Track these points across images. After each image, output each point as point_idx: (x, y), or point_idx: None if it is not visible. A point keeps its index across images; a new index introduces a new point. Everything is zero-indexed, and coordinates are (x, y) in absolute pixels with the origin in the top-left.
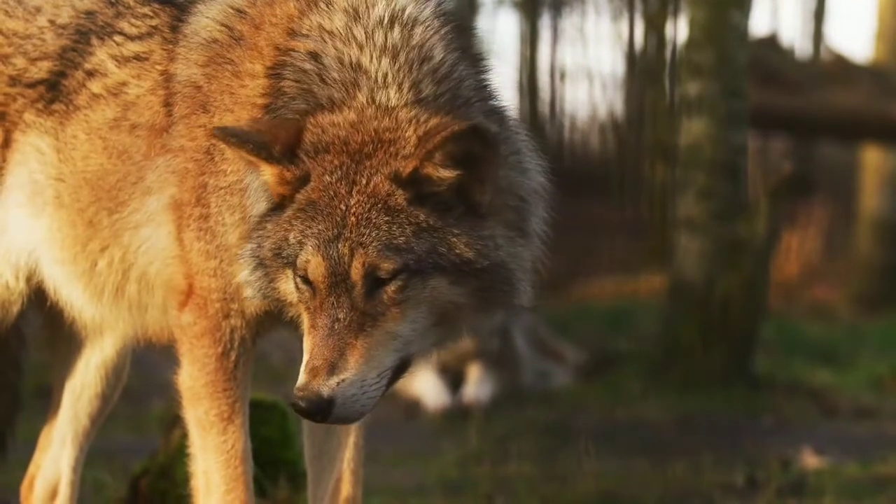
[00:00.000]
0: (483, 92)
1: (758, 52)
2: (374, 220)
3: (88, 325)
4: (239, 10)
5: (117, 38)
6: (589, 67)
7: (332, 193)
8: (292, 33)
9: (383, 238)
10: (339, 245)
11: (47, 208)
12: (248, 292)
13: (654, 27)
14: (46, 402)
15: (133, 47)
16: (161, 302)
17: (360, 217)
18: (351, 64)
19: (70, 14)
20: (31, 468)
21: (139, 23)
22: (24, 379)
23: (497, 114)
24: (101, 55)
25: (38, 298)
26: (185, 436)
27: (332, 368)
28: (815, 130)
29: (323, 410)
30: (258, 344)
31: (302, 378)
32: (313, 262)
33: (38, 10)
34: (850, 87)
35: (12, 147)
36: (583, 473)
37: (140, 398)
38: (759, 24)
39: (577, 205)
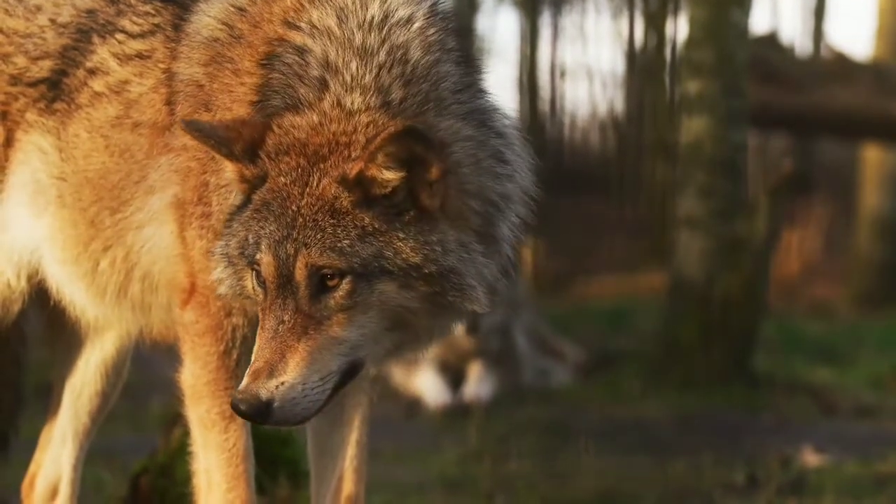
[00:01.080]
0: (466, 93)
1: (758, 51)
2: (319, 223)
3: (92, 324)
4: (240, 9)
5: (119, 37)
6: (589, 66)
7: (284, 195)
8: (288, 24)
9: (327, 240)
10: (287, 245)
11: (49, 207)
12: (221, 289)
13: (655, 25)
14: (47, 400)
15: (135, 45)
16: (165, 301)
17: (307, 219)
18: (327, 63)
19: (71, 13)
20: (32, 467)
21: (141, 21)
22: (25, 376)
23: (480, 115)
24: (103, 53)
25: (40, 297)
26: (185, 434)
27: (273, 371)
28: (816, 129)
29: (261, 413)
30: None
31: (244, 380)
32: (265, 262)
33: (39, 8)
34: (850, 86)
35: (15, 146)
36: (583, 472)
37: (140, 396)
38: (759, 22)
39: (577, 203)
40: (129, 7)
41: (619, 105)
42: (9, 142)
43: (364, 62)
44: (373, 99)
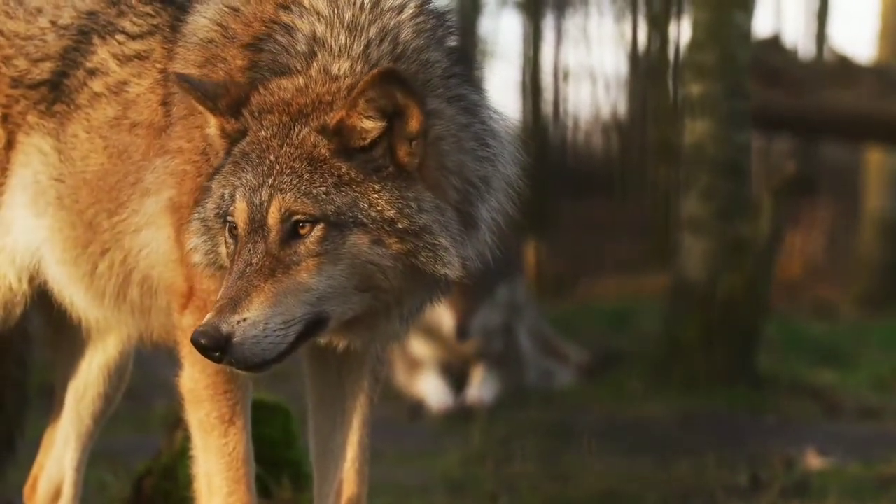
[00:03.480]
0: (454, 80)
1: (761, 53)
2: (297, 169)
3: (93, 326)
4: (234, 9)
5: (119, 37)
6: (592, 68)
7: (264, 146)
8: (278, 6)
9: (303, 186)
10: (262, 192)
11: (49, 209)
12: (196, 258)
13: (657, 28)
14: (50, 401)
15: (134, 46)
16: (165, 305)
17: (284, 166)
18: (315, 38)
19: (72, 14)
20: (34, 468)
21: (141, 21)
22: (30, 377)
23: (466, 103)
24: (103, 54)
25: (42, 299)
26: (188, 436)
27: (236, 308)
28: (818, 130)
29: (221, 347)
30: None
31: (207, 315)
32: (238, 209)
33: (40, 10)
34: (852, 87)
35: (16, 148)
36: (586, 473)
37: (143, 398)
38: (762, 24)
39: (580, 205)
40: (129, 8)
41: (622, 107)
42: (10, 144)
43: (353, 36)
44: (360, 66)
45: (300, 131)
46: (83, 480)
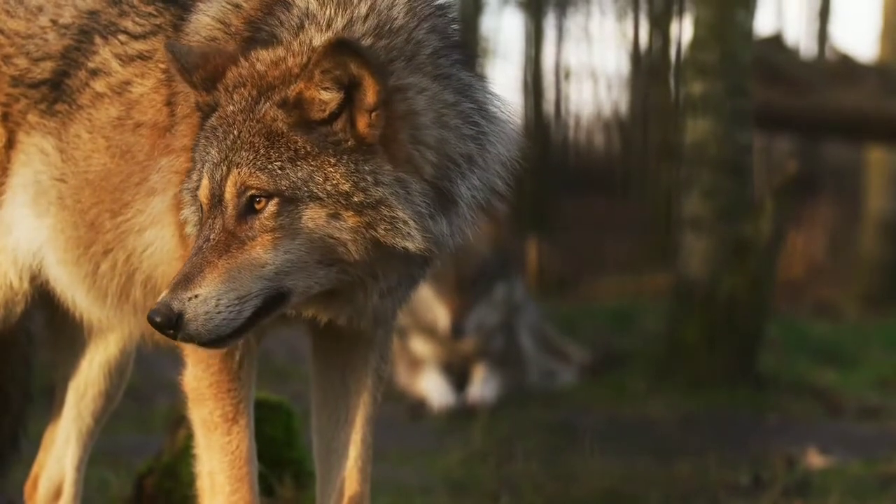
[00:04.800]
0: (445, 60)
1: (762, 52)
2: (255, 144)
3: (96, 325)
4: (235, 5)
5: (121, 37)
6: (594, 67)
7: (230, 121)
8: None
9: (259, 161)
10: (222, 167)
11: (51, 209)
12: (188, 229)
13: (659, 26)
14: (51, 400)
15: (137, 46)
16: None
17: (244, 141)
18: (308, 12)
19: (73, 14)
20: (35, 467)
21: (143, 21)
22: (33, 376)
23: (456, 83)
24: (105, 54)
25: (43, 298)
26: (190, 435)
27: (188, 284)
28: (820, 130)
29: (172, 325)
30: (262, 343)
31: (162, 294)
32: (202, 185)
33: (40, 9)
34: (854, 87)
35: (17, 148)
36: (588, 472)
37: (145, 397)
38: (763, 23)
39: (581, 204)
40: (131, 8)
41: (624, 106)
42: (10, 143)
43: (341, 9)
44: None
45: (263, 105)
46: (84, 479)
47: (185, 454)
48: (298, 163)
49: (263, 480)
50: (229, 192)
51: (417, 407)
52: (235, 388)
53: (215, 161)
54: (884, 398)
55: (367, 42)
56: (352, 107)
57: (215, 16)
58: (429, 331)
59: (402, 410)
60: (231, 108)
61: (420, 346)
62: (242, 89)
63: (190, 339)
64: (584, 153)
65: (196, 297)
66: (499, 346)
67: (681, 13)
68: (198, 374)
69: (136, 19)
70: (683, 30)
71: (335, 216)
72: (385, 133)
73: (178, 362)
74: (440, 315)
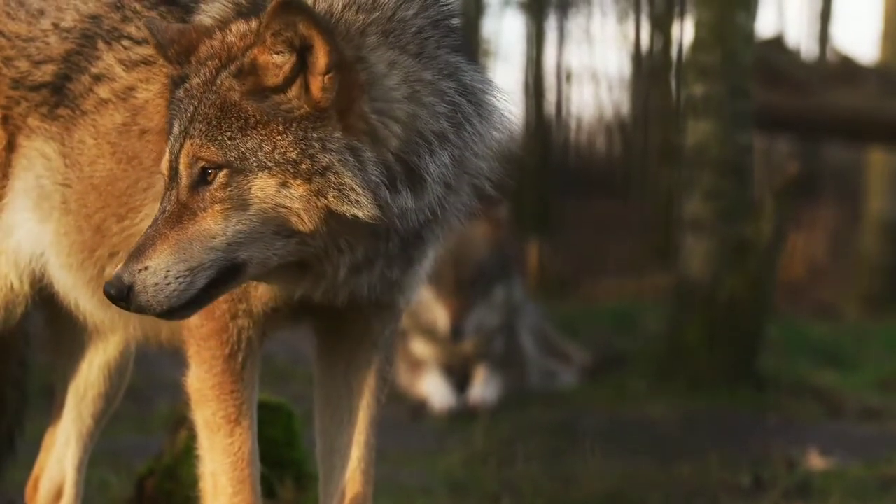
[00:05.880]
0: (430, 41)
1: (764, 53)
2: (208, 115)
3: (99, 328)
4: (236, 4)
5: (125, 43)
6: (595, 68)
7: (192, 94)
8: None
9: (210, 132)
10: (180, 139)
11: (54, 213)
12: None
13: (660, 28)
14: (50, 401)
15: (141, 51)
16: None
17: (199, 113)
18: None
19: (74, 17)
20: (36, 469)
21: None
22: (30, 377)
23: (440, 63)
24: (109, 59)
25: (43, 300)
26: (191, 436)
27: (140, 256)
28: (821, 131)
29: (123, 297)
30: (265, 345)
31: (117, 266)
32: (164, 159)
33: (42, 12)
34: (855, 88)
35: (18, 152)
36: (588, 473)
37: (146, 398)
38: (765, 25)
39: (583, 205)
40: (134, 13)
41: (625, 107)
42: (11, 146)
43: None
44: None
45: (222, 76)
46: (85, 480)
47: (185, 455)
48: (248, 132)
49: (265, 482)
50: (182, 163)
51: (418, 408)
52: (238, 390)
53: (175, 134)
54: (884, 399)
55: (340, 14)
56: (306, 71)
57: (217, 16)
58: (429, 332)
59: (402, 411)
60: (196, 80)
61: (420, 347)
62: (211, 62)
63: (141, 310)
64: (585, 154)
65: (146, 268)
66: (499, 348)
67: (682, 15)
68: (201, 375)
69: (139, 24)
70: (684, 31)
71: (285, 185)
72: (340, 99)
73: (178, 363)
74: (440, 316)
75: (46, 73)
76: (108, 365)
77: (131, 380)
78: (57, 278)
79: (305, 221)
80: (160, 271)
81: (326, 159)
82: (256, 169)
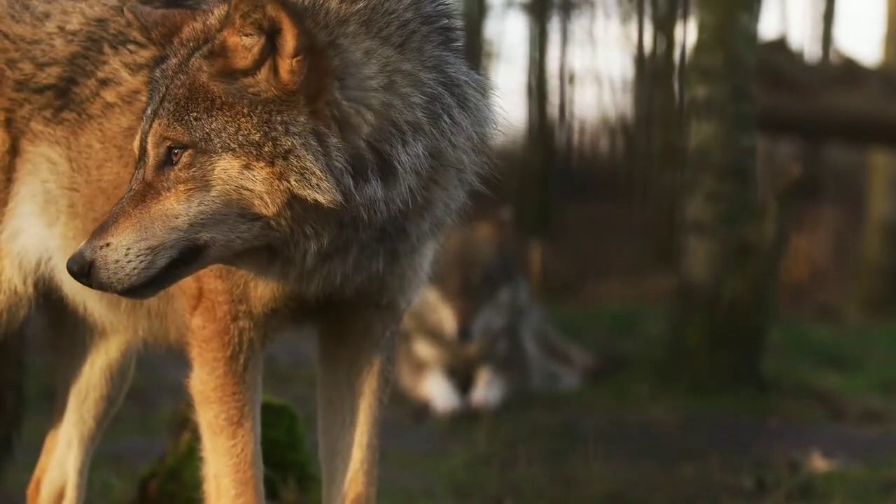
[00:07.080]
0: (416, 35)
1: (766, 55)
2: (177, 96)
3: (108, 329)
4: None
5: (130, 46)
6: (598, 70)
7: (166, 75)
8: None
9: (178, 112)
10: (150, 119)
11: (61, 217)
12: None
13: (663, 30)
14: (51, 404)
15: (146, 55)
16: (180, 308)
17: (169, 94)
18: None
19: (80, 20)
20: (37, 471)
21: None
22: (27, 379)
23: (423, 56)
24: (115, 63)
25: (45, 302)
26: (193, 438)
27: (102, 234)
28: (824, 133)
29: (85, 273)
30: (267, 347)
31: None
32: (135, 139)
33: (47, 15)
34: (858, 90)
35: (23, 157)
36: (591, 476)
37: (148, 400)
38: (767, 27)
39: (585, 207)
40: None
41: (628, 110)
42: (14, 150)
43: None
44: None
45: (195, 57)
46: (87, 483)
47: (188, 457)
48: (213, 113)
49: (268, 483)
50: (150, 142)
51: (421, 410)
52: (240, 392)
53: (147, 114)
54: (887, 402)
55: (325, 2)
56: (275, 54)
57: (221, 17)
58: (433, 334)
59: (405, 413)
60: (172, 60)
61: (424, 349)
62: (191, 43)
63: (102, 287)
64: (588, 157)
65: (108, 245)
66: (503, 350)
67: (685, 17)
68: (203, 376)
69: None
70: (687, 33)
71: (248, 167)
72: (310, 84)
73: (181, 365)
74: (446, 318)
75: (51, 75)
76: (109, 367)
77: (134, 381)
78: (66, 281)
79: (268, 204)
80: (121, 248)
81: (289, 142)
82: (220, 150)
